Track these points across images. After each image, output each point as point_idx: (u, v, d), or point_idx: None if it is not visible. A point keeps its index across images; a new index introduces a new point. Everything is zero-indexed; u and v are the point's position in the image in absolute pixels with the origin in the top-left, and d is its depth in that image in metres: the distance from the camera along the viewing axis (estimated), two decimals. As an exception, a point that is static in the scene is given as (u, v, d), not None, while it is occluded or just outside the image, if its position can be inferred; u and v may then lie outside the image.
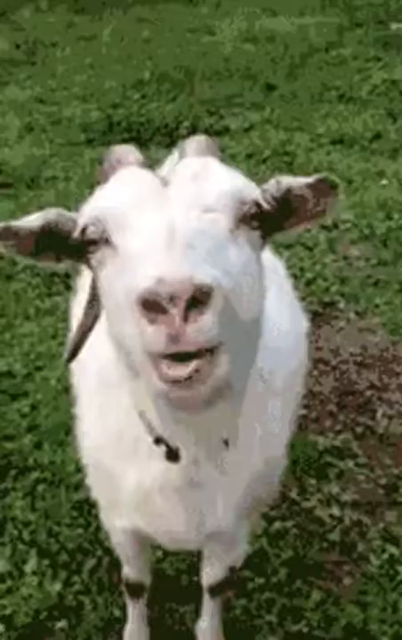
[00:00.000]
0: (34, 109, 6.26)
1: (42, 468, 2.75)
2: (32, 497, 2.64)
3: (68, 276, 3.86)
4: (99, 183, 1.30)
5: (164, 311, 0.96)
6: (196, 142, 1.30)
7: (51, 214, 1.26)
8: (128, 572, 2.04)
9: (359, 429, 2.82)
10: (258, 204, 1.20)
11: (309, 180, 1.25)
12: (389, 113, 5.89)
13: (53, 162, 5.28)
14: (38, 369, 3.30)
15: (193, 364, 0.99)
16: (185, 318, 0.96)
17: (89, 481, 1.75)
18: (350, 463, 2.66)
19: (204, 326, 0.97)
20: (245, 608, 2.18)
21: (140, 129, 5.74)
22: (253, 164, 5.17)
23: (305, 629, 2.09)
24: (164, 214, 1.10)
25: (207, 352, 1.01)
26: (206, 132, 5.70)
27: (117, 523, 1.73)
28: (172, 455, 1.36)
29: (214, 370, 1.02)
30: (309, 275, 3.83)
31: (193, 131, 5.71)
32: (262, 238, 1.24)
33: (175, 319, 0.96)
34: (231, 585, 2.04)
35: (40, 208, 4.00)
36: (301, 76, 6.82)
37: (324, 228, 4.27)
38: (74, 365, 1.66)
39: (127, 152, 1.29)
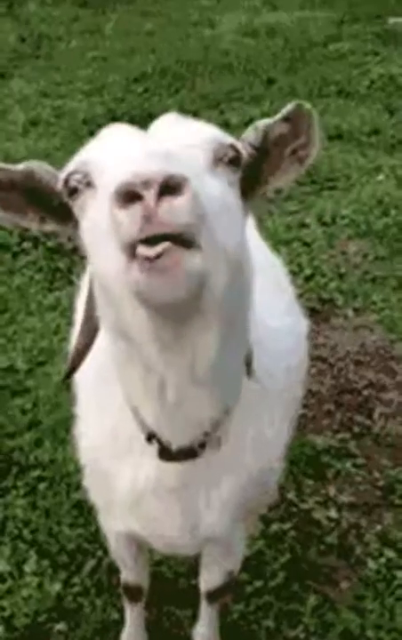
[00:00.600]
0: (38, 103, 6.09)
1: (43, 467, 2.66)
2: (33, 495, 2.55)
3: (70, 271, 3.75)
4: None
5: (139, 198, 0.93)
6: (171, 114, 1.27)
7: (33, 164, 1.23)
8: (126, 575, 1.95)
9: (357, 429, 2.72)
10: (236, 150, 1.15)
11: (283, 112, 1.21)
12: (386, 108, 5.71)
13: (57, 155, 5.12)
14: (40, 365, 3.19)
15: (165, 243, 0.95)
16: (159, 201, 0.94)
17: (86, 482, 1.66)
18: (348, 464, 2.55)
19: (176, 208, 0.94)
20: (243, 613, 2.09)
21: (142, 123, 5.57)
22: (253, 158, 5.02)
23: (302, 635, 2.01)
24: (141, 146, 1.08)
25: (182, 243, 0.96)
26: (207, 126, 5.54)
27: (113, 526, 1.64)
28: (165, 453, 1.28)
29: (188, 258, 0.97)
30: (307, 271, 3.70)
31: (194, 125, 5.56)
32: (245, 198, 1.19)
33: (148, 201, 0.93)
34: (229, 590, 1.95)
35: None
36: (300, 70, 6.63)
37: (322, 223, 4.14)
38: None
39: (119, 125, 1.25)
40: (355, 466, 2.56)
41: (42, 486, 2.58)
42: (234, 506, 1.46)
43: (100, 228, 1.03)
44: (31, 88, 6.42)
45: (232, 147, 1.14)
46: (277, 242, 3.74)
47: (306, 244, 3.95)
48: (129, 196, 0.94)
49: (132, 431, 1.32)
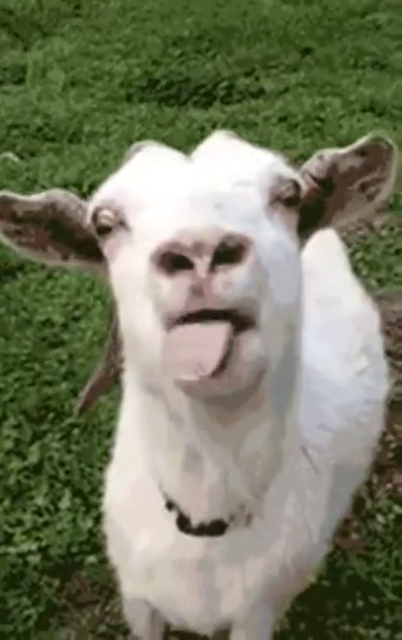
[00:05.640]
0: (78, 63, 6.05)
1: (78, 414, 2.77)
2: (67, 440, 2.67)
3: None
4: None
5: (187, 266, 0.74)
6: (222, 133, 1.07)
7: (56, 193, 1.06)
8: (136, 635, 1.76)
9: (374, 394, 2.80)
10: (297, 186, 0.96)
11: (358, 143, 1.00)
12: (420, 82, 5.63)
13: (95, 117, 5.13)
14: (76, 320, 3.29)
15: (220, 327, 0.76)
16: (212, 271, 0.74)
17: (105, 530, 1.48)
18: (364, 426, 2.65)
19: (235, 280, 0.74)
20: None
21: (179, 87, 5.54)
22: (285, 127, 5.00)
23: (313, 579, 2.13)
24: (187, 184, 0.87)
25: (237, 322, 0.77)
26: (242, 93, 5.50)
27: (127, 587, 1.46)
28: (184, 525, 1.10)
29: (246, 344, 0.78)
30: (334, 241, 3.74)
31: (229, 91, 5.53)
32: (301, 235, 1.00)
33: (200, 269, 0.73)
34: None
35: (83, 162, 3.89)
36: (336, 39, 6.52)
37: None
38: (125, 398, 1.32)
39: (147, 144, 1.07)
40: (370, 428, 2.65)
41: (76, 432, 2.70)
42: (259, 591, 1.26)
43: (135, 281, 0.84)
44: (71, 47, 6.38)
45: (293, 182, 0.95)
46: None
47: (334, 215, 3.98)
48: (174, 261, 0.74)
49: (155, 493, 1.13)
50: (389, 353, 3.07)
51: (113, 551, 1.44)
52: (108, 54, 6.25)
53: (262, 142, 4.75)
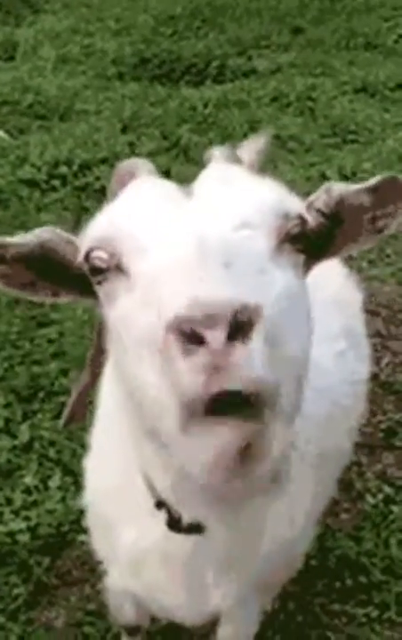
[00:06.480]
0: (69, 40, 5.90)
1: (67, 393, 2.72)
2: (58, 419, 2.62)
3: (97, 211, 3.72)
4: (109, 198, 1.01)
5: (200, 341, 0.69)
6: (220, 151, 1.01)
7: (46, 233, 0.98)
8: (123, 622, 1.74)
9: (364, 375, 2.77)
10: (303, 221, 0.90)
11: (371, 182, 0.96)
12: (413, 63, 5.54)
13: (86, 95, 5.01)
14: (66, 298, 3.22)
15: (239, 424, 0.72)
16: (228, 346, 0.70)
17: (88, 523, 1.45)
18: (354, 406, 2.61)
19: (253, 357, 0.70)
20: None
21: (171, 66, 5.42)
22: (277, 107, 4.90)
23: (301, 564, 2.10)
24: (190, 230, 0.82)
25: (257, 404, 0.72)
26: (234, 72, 5.39)
27: (112, 579, 1.43)
28: (175, 524, 1.05)
29: (269, 437, 0.74)
30: (325, 222, 3.68)
31: (221, 71, 5.42)
32: (305, 265, 0.93)
33: (214, 345, 0.69)
34: None
35: (73, 141, 3.76)
36: (328, 20, 6.39)
37: (343, 177, 4.08)
38: (105, 377, 1.24)
39: (139, 164, 1.00)
40: (360, 409, 2.62)
41: (66, 411, 2.64)
42: (246, 582, 1.23)
43: (139, 335, 0.79)
44: (62, 25, 6.22)
45: (300, 218, 0.90)
46: (297, 194, 3.70)
47: (325, 196, 3.91)
48: (188, 337, 0.70)
49: (141, 489, 1.08)
50: (379, 334, 3.04)
51: (97, 545, 1.40)
52: (99, 32, 6.10)
53: (254, 122, 4.66)
